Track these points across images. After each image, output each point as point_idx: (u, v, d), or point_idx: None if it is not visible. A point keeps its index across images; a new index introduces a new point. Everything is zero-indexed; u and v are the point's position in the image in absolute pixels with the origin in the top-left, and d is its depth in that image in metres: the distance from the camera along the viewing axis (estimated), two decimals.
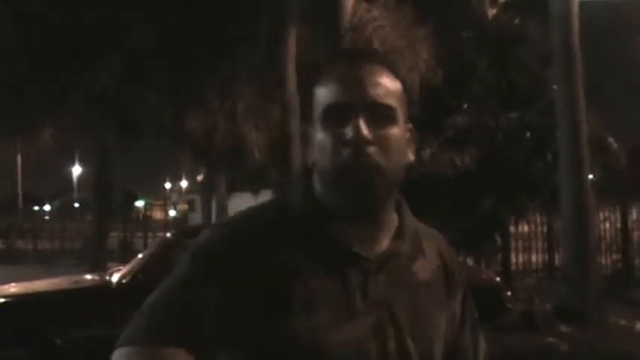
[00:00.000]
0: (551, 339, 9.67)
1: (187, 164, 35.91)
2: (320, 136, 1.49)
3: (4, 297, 8.22)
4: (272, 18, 15.25)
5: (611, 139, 15.71)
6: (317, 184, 1.54)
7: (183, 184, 71.19)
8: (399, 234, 1.55)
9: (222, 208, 23.12)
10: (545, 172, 13.57)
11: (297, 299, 1.42)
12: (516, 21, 14.72)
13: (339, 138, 1.45)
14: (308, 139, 1.58)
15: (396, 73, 1.54)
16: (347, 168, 1.43)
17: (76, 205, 63.23)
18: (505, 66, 14.21)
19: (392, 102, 1.49)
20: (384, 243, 1.52)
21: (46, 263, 26.05)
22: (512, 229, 15.40)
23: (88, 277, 10.09)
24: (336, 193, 1.48)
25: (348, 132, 1.43)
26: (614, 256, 15.45)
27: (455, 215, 13.24)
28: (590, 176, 12.85)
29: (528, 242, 16.14)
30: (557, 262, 15.21)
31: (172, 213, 43.85)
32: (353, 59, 1.54)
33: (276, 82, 15.09)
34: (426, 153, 13.40)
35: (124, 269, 8.38)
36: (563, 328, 10.28)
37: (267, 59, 16.00)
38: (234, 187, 27.00)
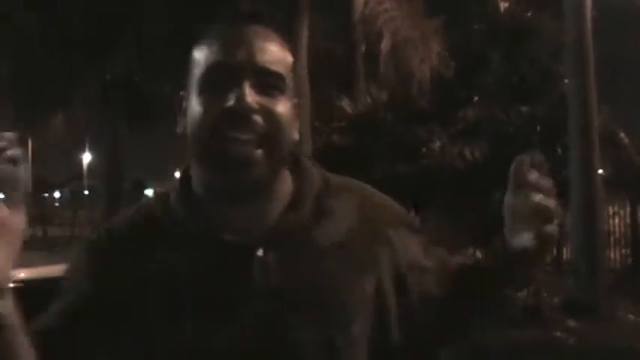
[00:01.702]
0: (558, 333, 9.65)
1: None
2: (195, 102, 1.32)
3: (13, 282, 8.27)
4: (284, 7, 15.23)
5: (622, 134, 15.63)
6: (192, 162, 1.38)
7: None
8: (292, 204, 1.37)
9: None
10: (554, 166, 13.53)
11: (171, 306, 1.29)
12: (529, 14, 14.66)
13: (218, 104, 1.28)
14: (180, 107, 1.39)
15: (288, 40, 1.38)
16: (227, 140, 1.27)
17: (86, 192, 63.40)
18: (516, 59, 14.16)
19: (281, 70, 1.33)
20: (274, 219, 1.35)
21: (55, 250, 26.18)
22: None
23: None
24: (213, 170, 1.32)
25: (230, 98, 1.27)
26: (623, 251, 15.40)
27: (464, 208, 13.22)
28: (601, 171, 12.81)
29: None
30: (565, 256, 15.18)
31: None
32: (240, 19, 1.36)
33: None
34: (436, 145, 13.37)
35: None
36: (571, 322, 10.26)
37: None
38: None
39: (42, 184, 70.21)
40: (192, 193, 1.38)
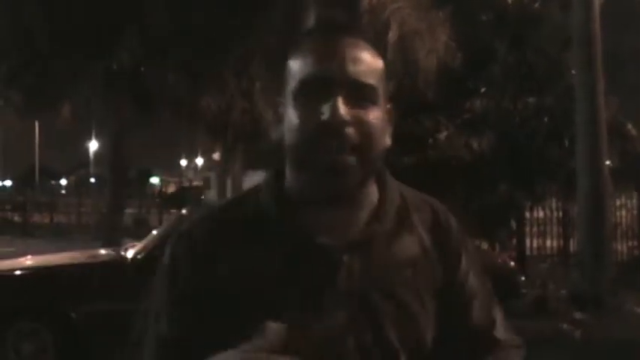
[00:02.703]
0: (565, 325, 9.65)
1: (203, 142, 36.01)
2: (292, 112, 1.38)
3: (20, 269, 8.30)
4: None
5: (630, 126, 15.59)
6: (287, 166, 1.44)
7: (199, 161, 71.38)
8: (377, 213, 1.43)
9: (238, 186, 23.18)
10: (562, 157, 13.51)
11: (261, 302, 1.34)
12: (536, 4, 14.62)
13: (313, 116, 1.33)
14: (279, 114, 1.45)
15: (377, 49, 1.42)
16: (321, 150, 1.33)
17: (92, 180, 63.52)
18: (524, 50, 14.13)
19: (373, 81, 1.38)
20: (361, 225, 1.41)
21: (61, 237, 26.26)
22: (527, 214, 15.35)
23: (104, 252, 10.14)
24: (307, 176, 1.38)
25: (325, 111, 1.32)
26: (630, 243, 15.40)
27: (470, 199, 13.22)
28: (608, 162, 12.78)
29: (543, 227, 16.09)
30: (572, 247, 15.18)
31: None
32: (332, 31, 1.41)
33: None
34: (443, 135, 13.36)
35: (139, 245, 8.42)
36: (578, 314, 10.26)
37: (286, 39, 15.97)
38: (249, 165, 27.05)
39: (49, 172, 70.44)
40: (283, 194, 1.44)
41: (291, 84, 1.39)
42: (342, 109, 1.32)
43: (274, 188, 1.45)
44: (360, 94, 1.36)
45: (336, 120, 1.31)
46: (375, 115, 1.37)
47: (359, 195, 1.42)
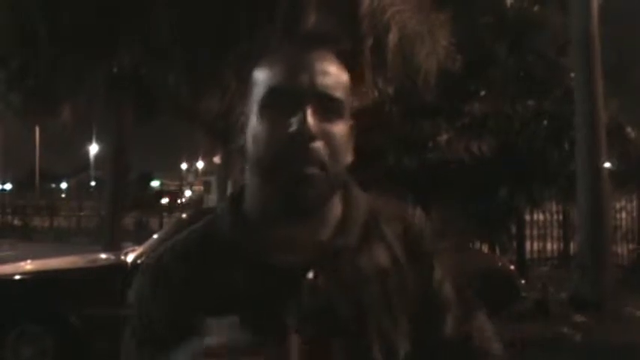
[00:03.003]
0: (565, 328, 9.66)
1: (204, 145, 36.00)
2: (257, 122, 1.36)
3: (20, 273, 8.30)
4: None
5: (629, 128, 15.60)
6: (249, 176, 1.42)
7: (200, 165, 71.40)
8: (341, 227, 1.41)
9: None
10: (561, 160, 13.51)
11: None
12: (536, 7, 14.64)
13: (281, 128, 1.32)
14: (240, 123, 1.43)
15: (345, 62, 1.41)
16: (288, 163, 1.31)
17: (93, 183, 63.52)
18: (523, 53, 14.15)
19: (341, 95, 1.37)
20: (324, 241, 1.39)
21: (62, 241, 26.28)
22: (527, 217, 15.36)
23: (104, 256, 10.16)
24: (272, 188, 1.34)
25: (293, 123, 1.30)
26: (630, 246, 15.40)
27: (470, 202, 13.22)
28: (608, 165, 12.79)
29: (543, 231, 16.10)
30: (572, 251, 15.18)
31: (188, 194, 43.97)
32: (303, 42, 1.41)
33: None
34: (442, 139, 13.37)
35: (139, 249, 8.43)
36: (578, 317, 10.27)
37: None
38: None
39: (49, 176, 70.42)
40: (243, 214, 1.42)
41: (258, 93, 1.38)
42: (311, 121, 1.31)
43: (233, 209, 1.43)
44: (328, 107, 1.34)
45: (304, 132, 1.30)
46: (340, 129, 1.36)
47: (323, 210, 1.39)
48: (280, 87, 1.34)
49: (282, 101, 1.33)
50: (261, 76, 1.39)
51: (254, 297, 1.33)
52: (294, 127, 1.30)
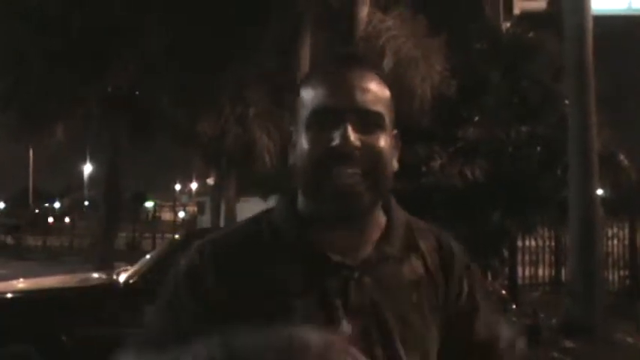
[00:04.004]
0: (555, 354, 9.65)
1: (198, 166, 35.99)
2: (304, 139, 1.46)
3: (12, 292, 8.28)
4: (287, 23, 15.29)
5: (622, 156, 15.66)
6: (299, 190, 1.52)
7: (193, 186, 71.25)
8: (385, 236, 1.52)
9: (231, 212, 23.15)
10: (554, 186, 13.54)
11: (275, 315, 1.38)
12: (530, 34, 14.71)
13: (325, 143, 1.42)
14: (290, 142, 1.54)
15: (384, 80, 1.51)
16: (332, 175, 1.41)
17: (86, 203, 63.31)
18: (517, 79, 14.20)
19: (381, 109, 1.47)
20: (370, 247, 1.50)
21: (54, 260, 26.18)
22: (519, 242, 15.37)
23: (96, 275, 10.13)
24: (319, 200, 1.45)
25: (336, 138, 1.41)
26: (622, 273, 15.40)
27: (463, 227, 13.23)
28: (600, 192, 12.82)
29: (535, 256, 16.10)
30: (563, 276, 15.18)
31: (181, 214, 43.90)
32: (343, 62, 1.51)
33: (289, 88, 15.12)
34: (436, 163, 13.39)
35: (132, 269, 8.42)
36: (569, 343, 10.26)
37: (280, 64, 16.05)
38: (243, 191, 27.06)
39: (42, 195, 70.20)
40: (296, 214, 1.52)
41: (303, 113, 1.48)
42: (352, 135, 1.41)
43: (289, 209, 1.54)
44: (368, 121, 1.44)
45: (346, 145, 1.40)
46: (383, 141, 1.46)
47: (368, 218, 1.50)
48: (323, 106, 1.45)
49: (325, 119, 1.44)
50: (306, 97, 1.49)
51: (307, 289, 1.44)
52: (336, 141, 1.41)
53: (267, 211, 1.59)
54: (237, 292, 1.44)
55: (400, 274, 1.51)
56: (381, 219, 1.54)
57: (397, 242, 1.53)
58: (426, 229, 1.62)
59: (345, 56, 1.55)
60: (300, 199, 1.53)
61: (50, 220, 34.47)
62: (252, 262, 1.47)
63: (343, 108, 1.43)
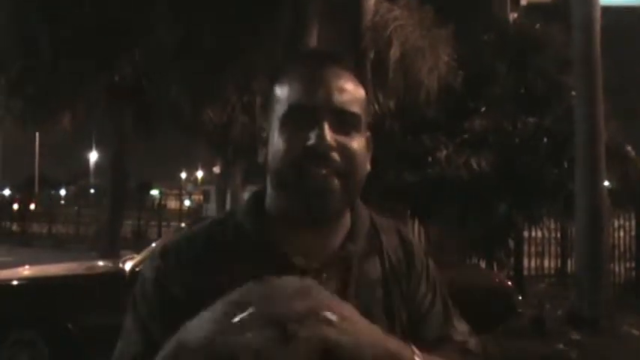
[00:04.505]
0: (561, 346, 9.65)
1: (204, 155, 36.00)
2: (278, 137, 1.43)
3: (17, 279, 8.30)
4: (293, 13, 15.26)
5: (629, 147, 15.61)
6: (269, 187, 1.50)
7: (199, 174, 71.40)
8: (350, 235, 1.51)
9: (237, 200, 23.19)
10: (560, 177, 13.52)
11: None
12: (537, 26, 14.67)
13: (300, 142, 1.40)
14: (261, 139, 1.53)
15: (360, 79, 1.49)
16: (307, 174, 1.38)
17: (92, 190, 63.39)
18: (524, 70, 14.17)
19: (357, 110, 1.45)
20: (335, 247, 1.49)
21: (60, 247, 26.23)
22: (525, 234, 15.36)
23: (101, 263, 10.15)
24: (291, 199, 1.43)
25: (312, 137, 1.39)
26: (628, 265, 15.39)
27: (469, 218, 13.23)
28: (607, 184, 12.79)
29: (541, 248, 16.10)
30: (569, 268, 15.18)
31: (187, 203, 43.93)
32: (319, 61, 1.48)
33: None
34: (442, 154, 13.38)
35: (138, 257, 8.43)
36: (574, 335, 10.25)
37: (290, 56, 16.03)
38: (249, 179, 27.10)
39: (48, 182, 70.30)
40: (263, 213, 1.50)
41: (278, 109, 1.45)
42: (328, 134, 1.39)
43: (254, 208, 1.52)
44: (344, 121, 1.42)
45: (322, 145, 1.38)
46: (358, 142, 1.44)
47: (337, 219, 1.48)
48: (299, 104, 1.42)
49: (301, 117, 1.41)
50: (281, 94, 1.46)
51: None
52: (312, 141, 1.38)
53: (233, 211, 1.58)
54: (200, 296, 1.38)
55: (365, 273, 1.51)
56: (347, 221, 1.53)
57: (361, 241, 1.52)
58: (388, 226, 1.62)
59: (322, 55, 1.53)
60: (269, 198, 1.51)
61: (15, 207, 34.29)
62: (214, 266, 1.46)
63: (320, 107, 1.41)
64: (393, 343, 1.35)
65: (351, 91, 1.45)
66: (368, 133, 1.51)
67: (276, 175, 1.45)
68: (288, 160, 1.40)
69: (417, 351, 1.38)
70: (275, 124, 1.45)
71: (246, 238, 1.48)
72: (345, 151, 1.41)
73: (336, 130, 1.41)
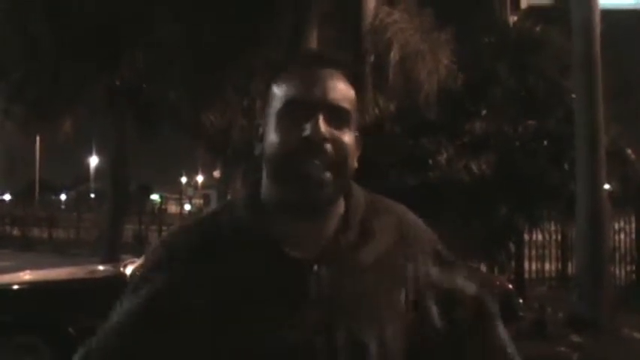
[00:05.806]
0: (562, 348, 9.64)
1: (204, 159, 35.98)
2: (275, 130, 1.52)
3: (18, 283, 8.29)
4: (294, 16, 15.27)
5: (629, 150, 15.61)
6: (265, 179, 1.58)
7: (199, 178, 71.34)
8: (343, 224, 1.56)
9: None
10: (561, 180, 13.51)
11: (233, 309, 1.47)
12: (537, 28, 14.67)
13: (296, 134, 1.48)
14: (257, 134, 1.61)
15: (351, 81, 1.57)
16: (303, 163, 1.47)
17: (92, 195, 63.39)
18: (525, 73, 14.16)
19: (349, 106, 1.54)
20: (329, 237, 1.54)
21: (60, 252, 26.23)
22: (526, 237, 15.35)
23: (102, 267, 10.13)
24: (286, 189, 1.51)
25: (307, 128, 1.48)
26: (628, 267, 15.37)
27: (469, 221, 13.21)
28: (607, 186, 12.79)
29: (542, 250, 16.08)
30: (570, 271, 15.16)
31: (187, 207, 43.91)
32: (315, 61, 1.58)
33: None
34: (443, 157, 13.37)
35: (138, 262, 8.42)
36: (575, 337, 10.24)
37: (288, 57, 16.02)
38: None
39: (49, 187, 70.31)
40: (259, 204, 1.57)
41: (275, 106, 1.54)
42: (323, 127, 1.48)
43: (249, 200, 1.59)
44: (337, 116, 1.51)
45: (317, 135, 1.47)
46: (349, 137, 1.53)
47: (330, 209, 1.55)
48: (296, 99, 1.51)
49: (298, 112, 1.50)
50: (279, 91, 1.56)
51: (265, 285, 1.49)
52: (307, 132, 1.48)
53: (231, 203, 1.65)
54: (193, 290, 1.50)
55: (358, 261, 1.55)
56: (340, 209, 1.58)
57: (354, 229, 1.57)
58: (386, 208, 1.66)
59: (317, 55, 1.65)
60: (264, 190, 1.58)
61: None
62: (207, 258, 1.53)
63: (316, 101, 1.50)
64: None
65: (342, 90, 1.54)
66: (357, 133, 1.58)
67: (272, 166, 1.53)
68: (284, 151, 1.49)
69: None
70: (272, 120, 1.54)
71: (242, 230, 1.54)
72: (337, 143, 1.49)
73: (329, 124, 1.49)
